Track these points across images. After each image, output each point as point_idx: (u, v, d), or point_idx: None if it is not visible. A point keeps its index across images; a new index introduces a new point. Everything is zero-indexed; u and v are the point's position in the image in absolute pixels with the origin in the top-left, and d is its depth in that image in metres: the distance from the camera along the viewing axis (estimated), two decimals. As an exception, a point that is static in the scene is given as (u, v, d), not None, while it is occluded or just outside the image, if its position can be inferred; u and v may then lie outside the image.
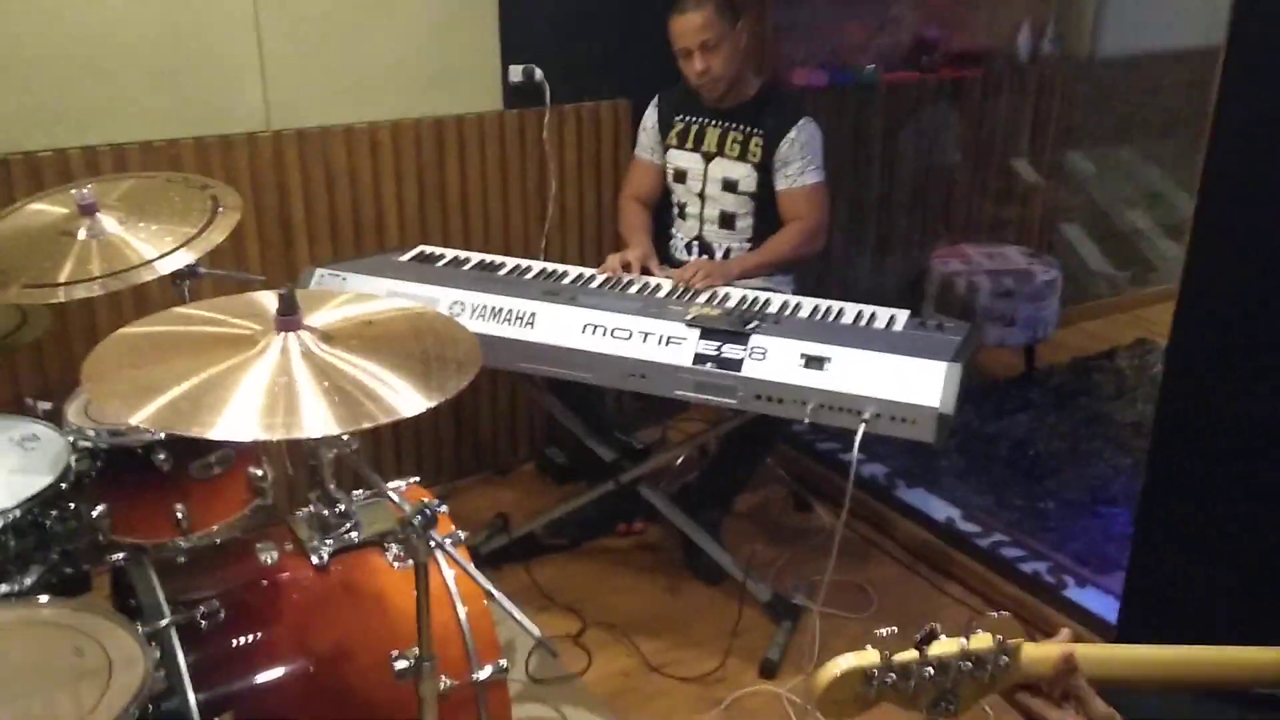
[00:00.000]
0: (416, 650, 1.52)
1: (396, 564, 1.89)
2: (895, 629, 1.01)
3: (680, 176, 2.99)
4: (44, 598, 1.59)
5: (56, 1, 2.53)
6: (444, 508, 1.53)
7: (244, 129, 2.83)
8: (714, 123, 2.92)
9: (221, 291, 2.78)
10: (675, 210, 3.05)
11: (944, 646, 1.02)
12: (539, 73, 3.20)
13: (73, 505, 1.81)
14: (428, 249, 2.89)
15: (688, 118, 2.96)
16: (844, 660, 1.00)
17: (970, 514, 3.18)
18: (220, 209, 2.06)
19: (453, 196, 3.18)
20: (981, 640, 1.03)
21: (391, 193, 3.07)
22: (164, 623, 1.71)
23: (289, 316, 1.37)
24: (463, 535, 1.88)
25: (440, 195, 3.16)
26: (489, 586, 1.45)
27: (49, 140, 2.60)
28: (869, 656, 0.99)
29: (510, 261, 2.79)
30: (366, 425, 1.32)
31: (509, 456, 3.51)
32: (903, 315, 2.49)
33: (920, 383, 2.17)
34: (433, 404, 1.33)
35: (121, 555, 1.78)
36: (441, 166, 3.13)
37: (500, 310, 2.48)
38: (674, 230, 3.06)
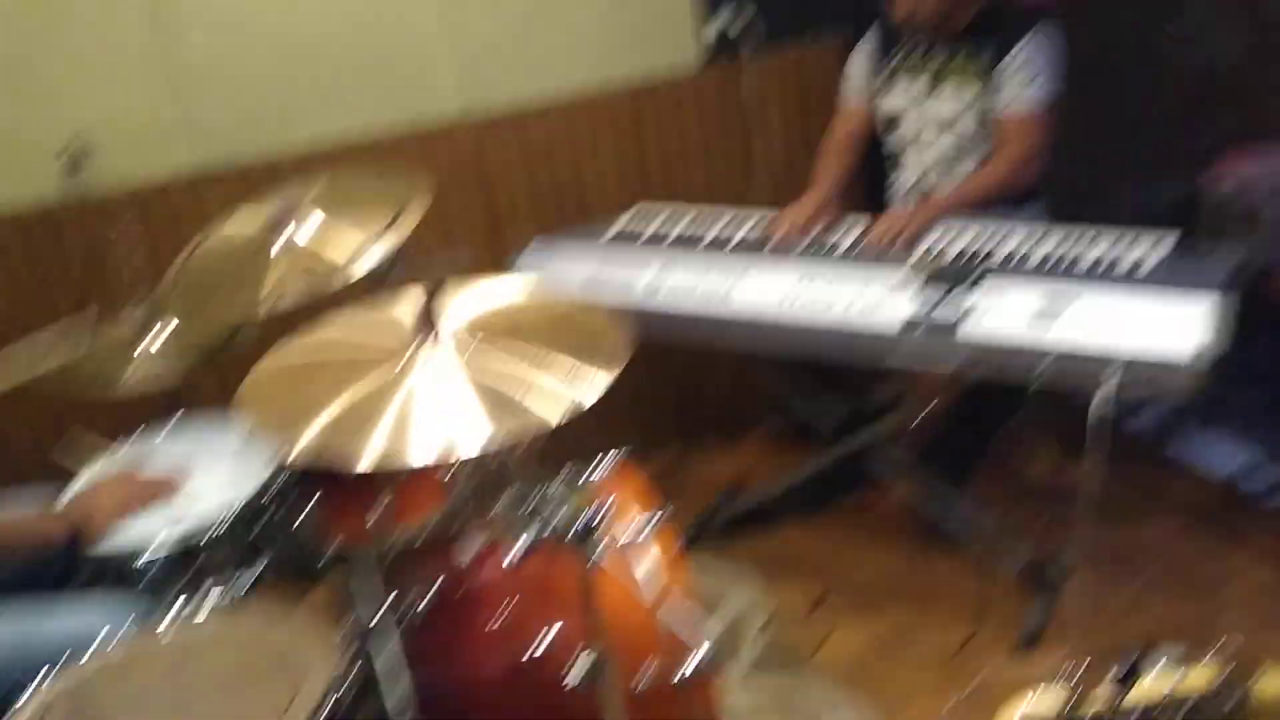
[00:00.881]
0: (593, 654, 1.45)
1: (605, 547, 1.83)
2: (1089, 659, 0.83)
3: (893, 122, 2.76)
4: (246, 599, 1.64)
5: (251, 16, 2.63)
6: (610, 510, 1.44)
7: (440, 119, 2.85)
8: (927, 59, 2.67)
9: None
10: (889, 160, 2.82)
11: (1150, 687, 0.82)
12: (736, 25, 3.03)
13: (283, 507, 1.87)
14: (630, 224, 2.82)
15: (897, 57, 2.72)
16: (1023, 707, 0.83)
17: (1263, 464, 2.78)
18: (407, 203, 2.05)
19: (653, 164, 3.09)
20: (1202, 675, 0.83)
21: (591, 167, 3.02)
22: (365, 620, 1.74)
23: (428, 327, 1.32)
24: (666, 512, 1.80)
25: (640, 164, 3.07)
26: (651, 594, 1.35)
27: (258, 148, 2.71)
28: (1050, 701, 0.82)
29: (712, 230, 2.67)
30: (516, 432, 1.26)
31: (742, 418, 3.40)
32: (1168, 241, 2.18)
33: (1178, 329, 1.88)
34: (583, 407, 1.25)
35: (329, 554, 1.82)
36: (639, 135, 3.04)
37: (697, 286, 2.38)
38: (890, 180, 2.84)
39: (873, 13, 2.72)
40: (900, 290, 2.16)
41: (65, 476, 2.01)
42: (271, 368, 1.45)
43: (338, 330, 1.52)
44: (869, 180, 2.86)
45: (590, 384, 1.29)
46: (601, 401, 3.22)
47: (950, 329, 2.07)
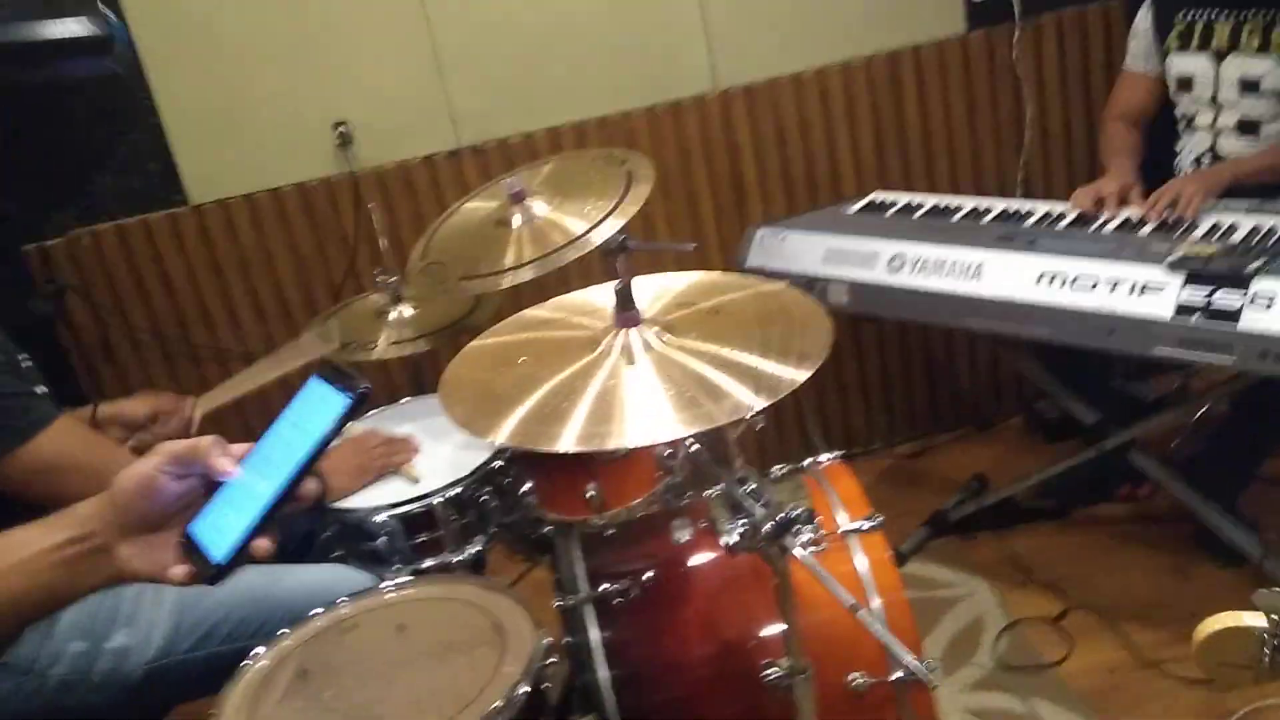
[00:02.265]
0: (788, 660, 1.41)
1: (810, 548, 1.78)
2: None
3: (1185, 84, 2.49)
4: (467, 569, 1.70)
5: (508, 2, 2.71)
6: (806, 511, 1.39)
7: (692, 92, 2.83)
8: (1224, 13, 2.39)
9: (655, 265, 2.87)
10: (1181, 124, 2.56)
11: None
12: (1006, -17, 2.84)
13: (507, 481, 1.93)
14: (880, 196, 2.70)
15: (1191, 13, 2.45)
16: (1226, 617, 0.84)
17: None
18: (634, 182, 2.06)
19: (913, 135, 2.95)
20: None
21: (845, 139, 2.92)
22: (580, 598, 1.77)
23: (627, 312, 1.31)
24: (877, 520, 1.74)
25: (899, 135, 2.94)
26: (850, 600, 1.29)
27: (516, 125, 2.80)
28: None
29: (968, 203, 2.52)
30: (706, 428, 1.23)
31: (992, 410, 3.22)
32: None
33: None
34: (758, 408, 1.20)
35: (548, 530, 1.87)
36: (899, 104, 2.91)
37: (944, 262, 2.25)
38: (1178, 146, 2.57)
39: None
40: (1176, 271, 1.95)
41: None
42: (480, 347, 1.49)
43: (546, 311, 1.53)
44: (1150, 146, 2.61)
45: (793, 374, 1.24)
46: (841, 387, 3.15)
47: (1232, 317, 1.86)
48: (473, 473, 1.91)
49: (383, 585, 1.63)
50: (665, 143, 2.84)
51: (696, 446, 1.58)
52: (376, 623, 1.57)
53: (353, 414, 0.92)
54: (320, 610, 1.57)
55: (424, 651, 1.48)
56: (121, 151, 2.69)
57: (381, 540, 1.83)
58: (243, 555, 0.91)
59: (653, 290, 1.47)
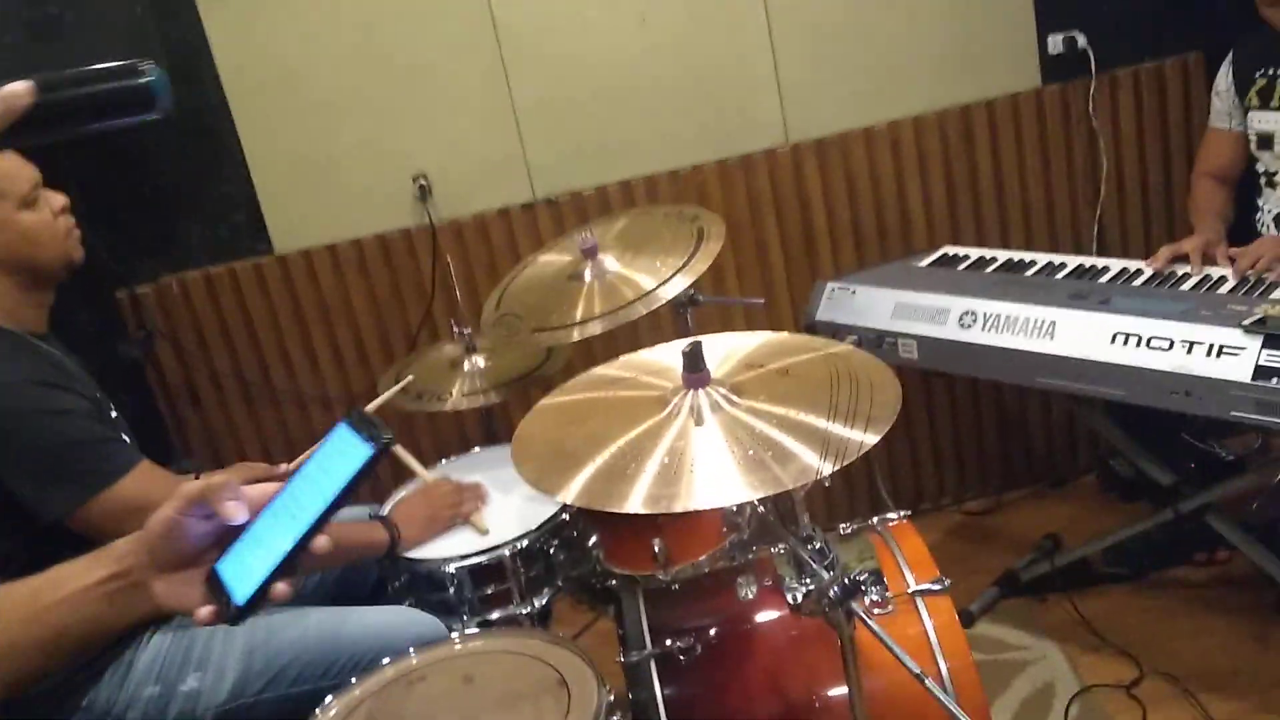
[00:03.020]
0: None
1: (876, 610, 1.77)
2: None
3: (1266, 141, 2.46)
4: (533, 620, 1.72)
5: (583, 60, 2.77)
6: (871, 575, 1.39)
7: (763, 146, 2.86)
8: (1307, 66, 2.36)
9: (724, 318, 2.88)
10: (1262, 180, 2.52)
11: None
12: (1082, 38, 2.83)
13: (574, 534, 1.95)
14: (952, 250, 2.70)
15: (1269, 70, 2.42)
16: None
17: None
18: (705, 239, 2.09)
19: (986, 189, 2.93)
20: None
21: (917, 193, 2.92)
22: (644, 654, 1.78)
23: (695, 373, 1.33)
24: (946, 583, 1.72)
25: (971, 189, 2.93)
26: (915, 667, 1.29)
27: (590, 179, 2.85)
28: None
29: (1041, 258, 2.50)
30: (773, 492, 1.24)
31: (1065, 467, 3.17)
32: None
33: None
34: (826, 473, 1.20)
35: (610, 585, 1.88)
36: (971, 157, 2.91)
37: (1016, 319, 2.23)
38: (1260, 202, 2.53)
39: (1238, 23, 2.43)
40: (1254, 333, 1.92)
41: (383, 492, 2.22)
42: (550, 405, 1.52)
43: (616, 369, 1.56)
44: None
45: (862, 438, 1.25)
46: (911, 441, 3.12)
47: (1313, 384, 1.82)
48: (541, 525, 1.93)
49: (451, 636, 1.65)
50: (735, 195, 2.87)
51: (763, 506, 1.58)
52: (444, 674, 1.60)
53: (374, 464, 0.93)
54: (388, 660, 1.60)
55: (490, 704, 1.50)
56: (211, 202, 2.80)
57: (451, 591, 1.86)
58: (262, 598, 0.92)
59: (722, 350, 1.49)
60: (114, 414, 1.81)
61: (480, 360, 2.32)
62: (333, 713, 1.51)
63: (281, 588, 0.92)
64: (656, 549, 1.83)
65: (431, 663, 1.62)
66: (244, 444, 2.95)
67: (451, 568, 1.88)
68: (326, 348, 2.93)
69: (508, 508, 2.03)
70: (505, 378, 2.29)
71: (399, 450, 2.20)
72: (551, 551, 1.93)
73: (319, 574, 2.02)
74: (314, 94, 2.75)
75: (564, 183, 2.85)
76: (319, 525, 0.92)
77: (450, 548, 1.93)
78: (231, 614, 0.92)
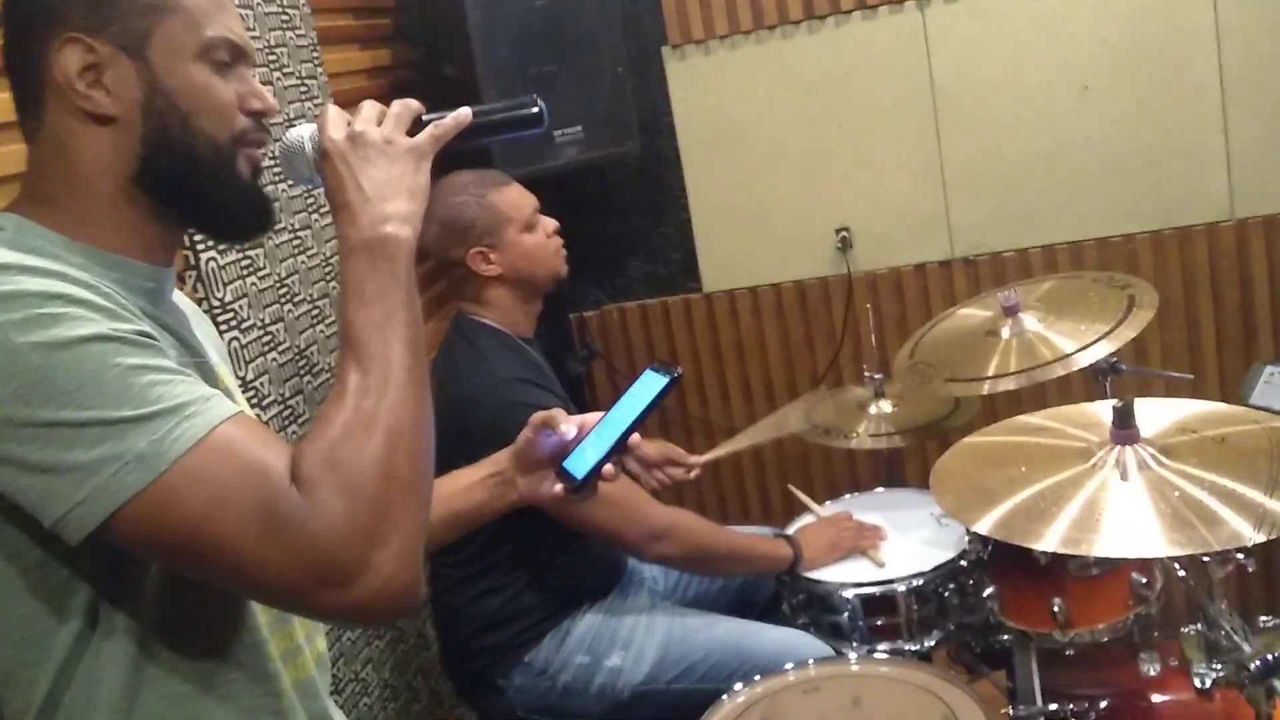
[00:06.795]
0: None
1: (1295, 708, 1.67)
2: None
3: None
4: (922, 657, 1.78)
5: (1018, 121, 2.80)
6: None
7: (1205, 219, 2.74)
8: None
9: (1144, 391, 2.76)
10: None
11: None
12: None
13: (970, 582, 1.98)
14: None
15: None
16: None
17: None
18: (1135, 307, 2.06)
19: None
20: None
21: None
22: (1035, 710, 1.78)
23: (1125, 429, 1.35)
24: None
25: None
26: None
27: (1011, 241, 2.87)
28: None
29: None
30: (1198, 551, 1.24)
31: None
32: None
33: None
34: (1259, 539, 1.18)
35: (1007, 638, 1.90)
36: None
37: None
38: None
39: None
40: None
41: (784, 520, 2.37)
42: (972, 444, 1.58)
43: (1040, 419, 1.60)
44: None
45: (1268, 523, 1.22)
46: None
47: None
48: (937, 567, 1.99)
49: (848, 655, 1.75)
50: (1168, 268, 2.77)
51: (1181, 573, 1.55)
52: (836, 690, 1.70)
53: (669, 390, 1.23)
54: (791, 665, 1.72)
55: (877, 721, 1.59)
56: (654, 241, 3.11)
57: (844, 615, 1.96)
58: (596, 476, 1.24)
59: (1152, 413, 1.49)
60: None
61: (887, 405, 2.41)
62: (739, 699, 1.66)
63: (610, 469, 1.24)
64: (1056, 609, 1.83)
65: (826, 677, 1.73)
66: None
67: (848, 593, 1.98)
68: (738, 382, 3.15)
69: (905, 548, 2.10)
70: (911, 424, 2.36)
71: (796, 490, 2.39)
72: (946, 595, 1.97)
73: (721, 582, 2.19)
74: (755, 146, 2.98)
75: (985, 243, 2.89)
76: (632, 428, 1.23)
77: (848, 574, 2.03)
78: (575, 486, 1.25)
